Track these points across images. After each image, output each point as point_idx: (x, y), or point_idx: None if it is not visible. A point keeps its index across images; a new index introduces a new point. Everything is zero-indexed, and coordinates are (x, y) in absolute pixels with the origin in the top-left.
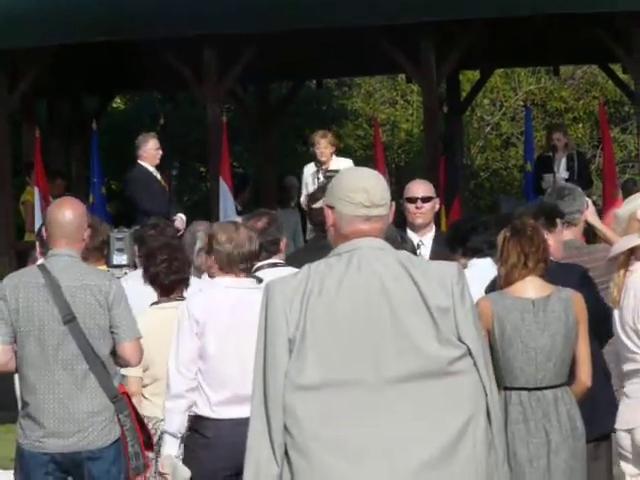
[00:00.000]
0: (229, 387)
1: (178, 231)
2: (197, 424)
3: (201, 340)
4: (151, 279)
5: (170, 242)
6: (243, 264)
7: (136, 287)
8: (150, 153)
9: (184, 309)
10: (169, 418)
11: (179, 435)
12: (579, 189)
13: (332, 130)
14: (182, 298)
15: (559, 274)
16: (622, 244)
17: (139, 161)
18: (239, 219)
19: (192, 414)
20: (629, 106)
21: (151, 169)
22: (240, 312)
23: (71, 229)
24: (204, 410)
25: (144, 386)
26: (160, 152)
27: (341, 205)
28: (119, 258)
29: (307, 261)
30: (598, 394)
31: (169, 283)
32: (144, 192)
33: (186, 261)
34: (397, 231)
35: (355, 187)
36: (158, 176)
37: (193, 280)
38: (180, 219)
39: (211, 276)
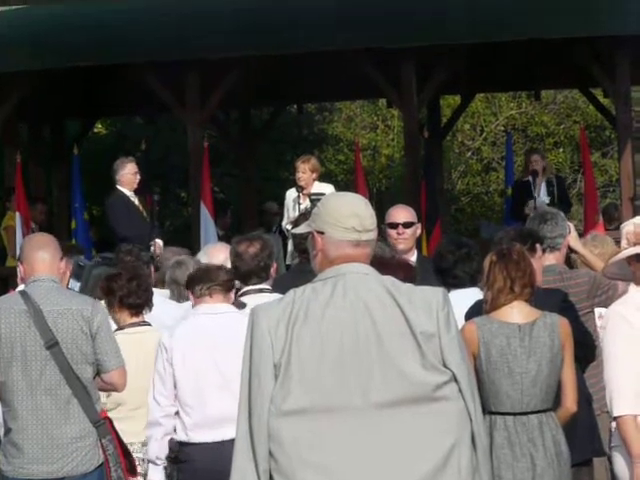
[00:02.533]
0: (196, 410)
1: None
2: (178, 448)
3: (172, 367)
4: (121, 300)
5: (128, 264)
6: (216, 289)
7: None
8: (128, 178)
9: (160, 338)
10: (148, 445)
11: (159, 462)
12: (562, 214)
13: (314, 155)
14: (146, 323)
15: (540, 299)
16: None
17: (117, 186)
18: (222, 245)
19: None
20: (610, 130)
21: (129, 194)
22: (209, 338)
23: (49, 256)
24: (181, 434)
25: (107, 411)
26: (138, 177)
27: (332, 230)
28: (74, 284)
29: (292, 286)
30: (579, 419)
31: (142, 301)
32: (121, 218)
33: (149, 279)
34: None
35: (346, 212)
36: (136, 201)
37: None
38: (158, 245)
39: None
